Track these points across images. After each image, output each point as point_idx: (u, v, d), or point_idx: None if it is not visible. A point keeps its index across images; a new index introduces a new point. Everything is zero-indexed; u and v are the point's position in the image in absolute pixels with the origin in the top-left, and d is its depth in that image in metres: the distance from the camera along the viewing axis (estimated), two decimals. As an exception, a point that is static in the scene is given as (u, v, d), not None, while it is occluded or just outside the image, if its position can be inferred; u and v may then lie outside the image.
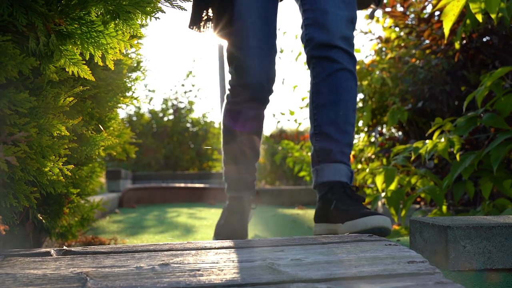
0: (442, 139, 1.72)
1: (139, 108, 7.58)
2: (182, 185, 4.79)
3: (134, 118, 7.50)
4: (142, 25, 1.22)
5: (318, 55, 1.56)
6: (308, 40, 1.58)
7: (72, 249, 0.83)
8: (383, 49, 3.28)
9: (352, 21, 1.57)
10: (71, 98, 0.89)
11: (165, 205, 4.06)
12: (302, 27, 1.61)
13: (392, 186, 1.95)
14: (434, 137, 1.79)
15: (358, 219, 1.32)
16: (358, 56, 4.07)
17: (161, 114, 7.72)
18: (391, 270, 0.67)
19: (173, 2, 0.89)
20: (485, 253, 0.98)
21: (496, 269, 0.99)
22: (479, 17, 1.48)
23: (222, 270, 0.68)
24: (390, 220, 1.32)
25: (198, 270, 0.69)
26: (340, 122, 1.54)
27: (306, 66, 4.18)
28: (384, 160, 2.82)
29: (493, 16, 1.42)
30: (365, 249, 0.80)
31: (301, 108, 4.52)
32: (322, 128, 1.56)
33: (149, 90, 7.83)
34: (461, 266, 0.98)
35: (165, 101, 7.82)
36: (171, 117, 7.68)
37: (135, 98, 1.49)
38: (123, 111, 9.51)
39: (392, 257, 0.74)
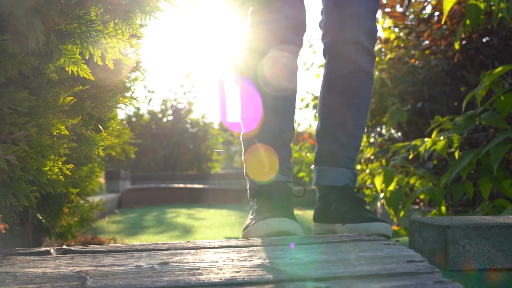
0: (442, 138, 1.72)
1: (138, 108, 7.57)
2: (181, 185, 4.79)
3: (133, 119, 7.50)
4: (141, 25, 1.22)
5: (336, 51, 1.46)
6: (326, 31, 1.47)
7: (72, 248, 0.83)
8: (383, 49, 3.28)
9: (376, 12, 1.46)
10: (71, 98, 0.89)
11: (164, 206, 4.06)
12: (321, 14, 1.50)
13: (391, 187, 1.95)
14: (433, 135, 1.79)
15: (360, 223, 1.31)
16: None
17: (160, 115, 7.72)
18: (390, 269, 0.67)
19: (173, 1, 0.89)
20: (484, 253, 0.98)
21: (495, 268, 0.99)
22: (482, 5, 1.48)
23: (221, 269, 0.68)
24: (391, 227, 1.32)
25: (197, 269, 0.69)
26: (349, 125, 1.47)
27: (306, 67, 4.19)
28: (383, 161, 2.82)
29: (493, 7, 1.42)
30: (364, 249, 0.80)
31: (300, 109, 4.51)
32: (329, 129, 1.50)
33: (148, 91, 7.83)
34: (460, 266, 0.98)
35: (164, 101, 7.82)
36: (170, 118, 7.68)
37: (134, 98, 1.49)
38: (122, 112, 9.51)
39: (391, 257, 0.74)
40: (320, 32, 1.53)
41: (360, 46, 1.43)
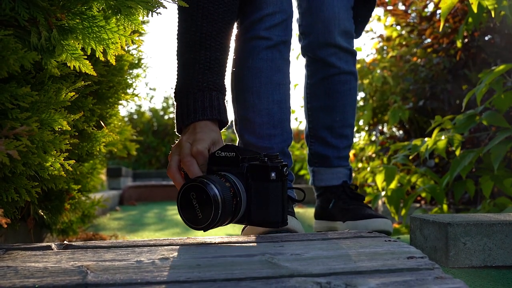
0: (443, 137, 1.71)
1: (140, 106, 7.59)
2: (183, 183, 4.78)
3: (135, 116, 7.51)
4: (143, 22, 1.22)
5: (312, 56, 1.43)
6: (302, 34, 1.43)
7: (73, 243, 0.83)
8: (385, 47, 3.28)
9: (351, 8, 1.41)
10: (73, 93, 0.90)
11: (166, 203, 4.06)
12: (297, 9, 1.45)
13: (392, 185, 1.95)
14: (434, 135, 1.78)
15: (360, 220, 1.31)
16: (359, 55, 4.07)
17: (162, 113, 7.73)
18: (390, 265, 0.67)
19: (175, -3, 0.89)
20: (485, 250, 0.98)
21: (496, 266, 0.99)
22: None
23: (222, 264, 0.69)
24: (391, 223, 1.32)
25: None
26: (337, 127, 1.45)
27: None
28: (385, 159, 2.82)
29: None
30: (365, 245, 0.80)
31: (302, 107, 4.51)
32: (317, 132, 1.47)
33: (150, 88, 7.85)
34: (461, 263, 0.98)
35: (166, 99, 7.82)
36: (172, 115, 7.69)
37: (136, 95, 1.49)
38: (124, 109, 9.53)
39: (391, 253, 0.74)
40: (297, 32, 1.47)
41: (338, 48, 1.39)
